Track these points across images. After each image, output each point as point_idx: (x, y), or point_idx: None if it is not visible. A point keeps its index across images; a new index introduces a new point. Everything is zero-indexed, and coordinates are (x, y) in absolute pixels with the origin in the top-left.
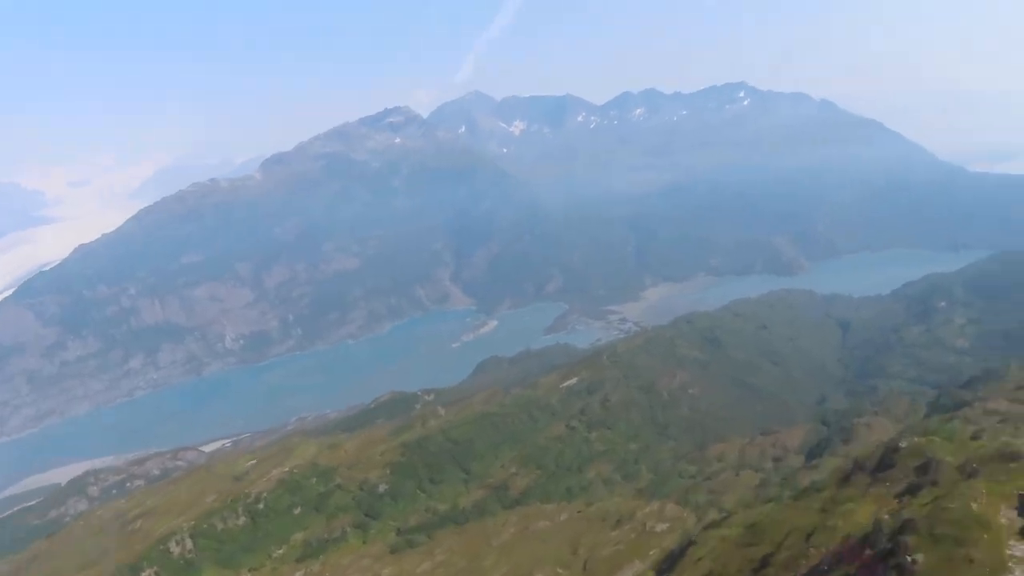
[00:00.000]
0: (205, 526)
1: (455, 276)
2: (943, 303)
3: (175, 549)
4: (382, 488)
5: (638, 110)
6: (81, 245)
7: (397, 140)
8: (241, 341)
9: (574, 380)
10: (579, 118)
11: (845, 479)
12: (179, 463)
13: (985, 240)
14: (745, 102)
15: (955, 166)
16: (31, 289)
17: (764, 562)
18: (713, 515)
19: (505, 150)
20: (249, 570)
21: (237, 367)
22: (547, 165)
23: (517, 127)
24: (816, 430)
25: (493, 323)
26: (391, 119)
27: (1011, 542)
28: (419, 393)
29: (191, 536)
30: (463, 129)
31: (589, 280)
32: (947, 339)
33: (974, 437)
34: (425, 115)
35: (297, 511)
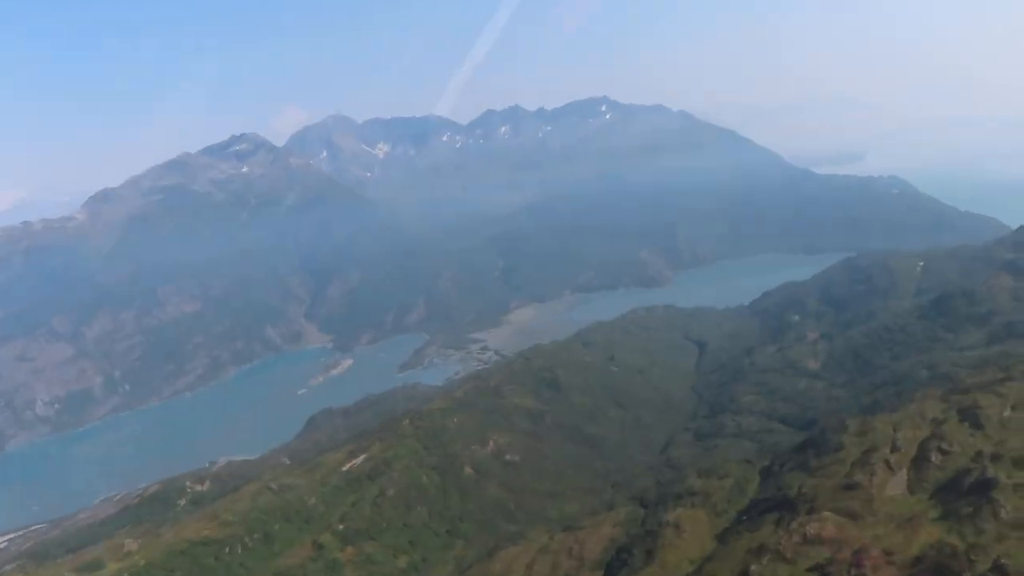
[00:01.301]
0: None
1: (310, 312)
2: (796, 316)
3: None
4: None
5: (503, 128)
6: None
7: (244, 169)
8: (56, 405)
9: (360, 458)
10: (444, 138)
11: None
12: None
13: (837, 242)
14: (607, 116)
15: (803, 170)
16: None
17: None
18: None
19: (369, 174)
20: None
21: (50, 436)
22: (413, 187)
23: (381, 149)
24: (629, 521)
25: (348, 362)
26: (238, 147)
27: None
28: (187, 485)
29: None
30: (324, 154)
31: (454, 307)
32: (799, 360)
33: None
34: (284, 142)
35: None
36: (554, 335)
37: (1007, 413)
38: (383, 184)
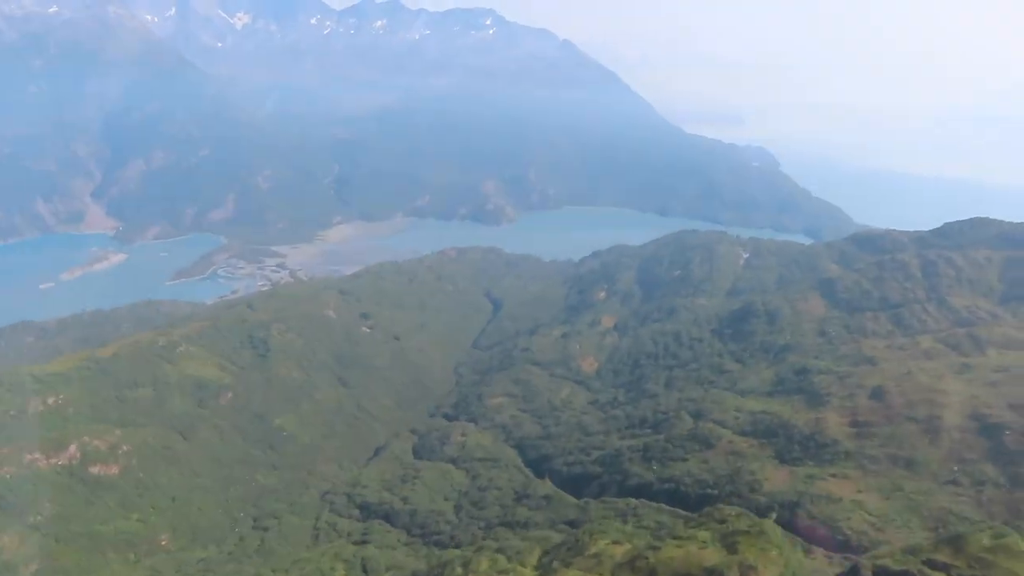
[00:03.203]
0: None
1: (99, 191)
2: (603, 293)
3: None
4: None
5: (379, 21)
6: None
7: (52, 9)
8: None
9: None
10: (312, 20)
11: None
12: None
13: (688, 207)
14: (491, 31)
15: (674, 127)
16: None
17: None
18: None
19: (220, 44)
20: None
21: None
22: (265, 68)
23: (240, 19)
24: None
25: (119, 257)
26: None
27: None
28: None
29: None
30: (172, 11)
31: (268, 210)
32: (577, 356)
33: None
34: None
35: None
36: (365, 260)
37: None
38: (233, 58)
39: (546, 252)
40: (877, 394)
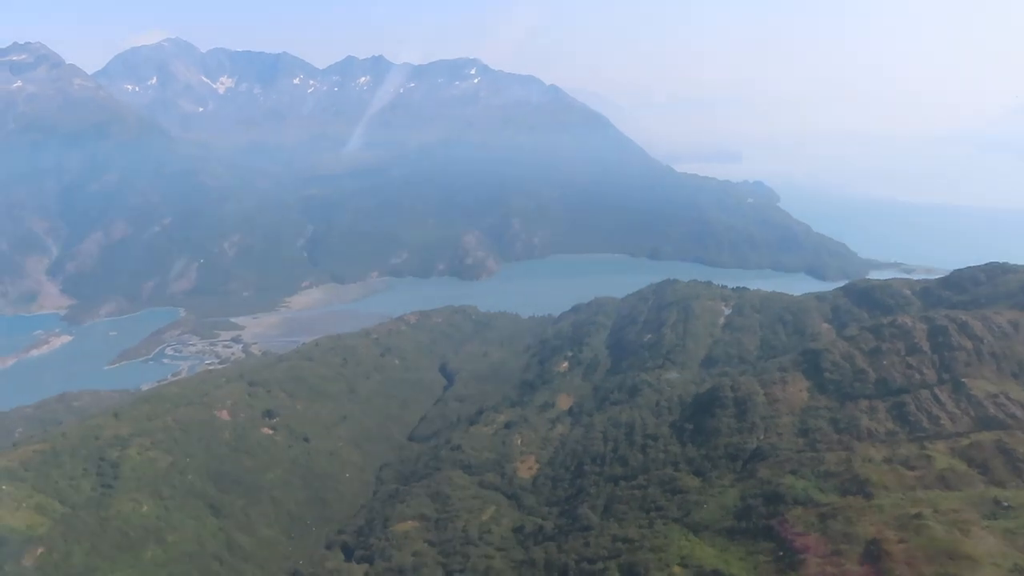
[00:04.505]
0: None
1: (55, 268)
2: (565, 363)
3: None
4: None
5: (363, 78)
6: None
7: (16, 84)
8: None
9: None
10: (296, 80)
11: None
12: None
13: (680, 249)
14: (476, 80)
15: (664, 166)
16: None
17: None
18: None
19: (202, 109)
20: None
21: None
22: (247, 130)
23: (223, 83)
24: None
25: (62, 339)
26: (15, 56)
27: None
28: None
29: None
30: (154, 80)
31: (235, 278)
32: (517, 456)
33: None
34: (104, 62)
35: None
36: (328, 328)
37: None
38: (213, 122)
39: (526, 307)
40: (872, 554)
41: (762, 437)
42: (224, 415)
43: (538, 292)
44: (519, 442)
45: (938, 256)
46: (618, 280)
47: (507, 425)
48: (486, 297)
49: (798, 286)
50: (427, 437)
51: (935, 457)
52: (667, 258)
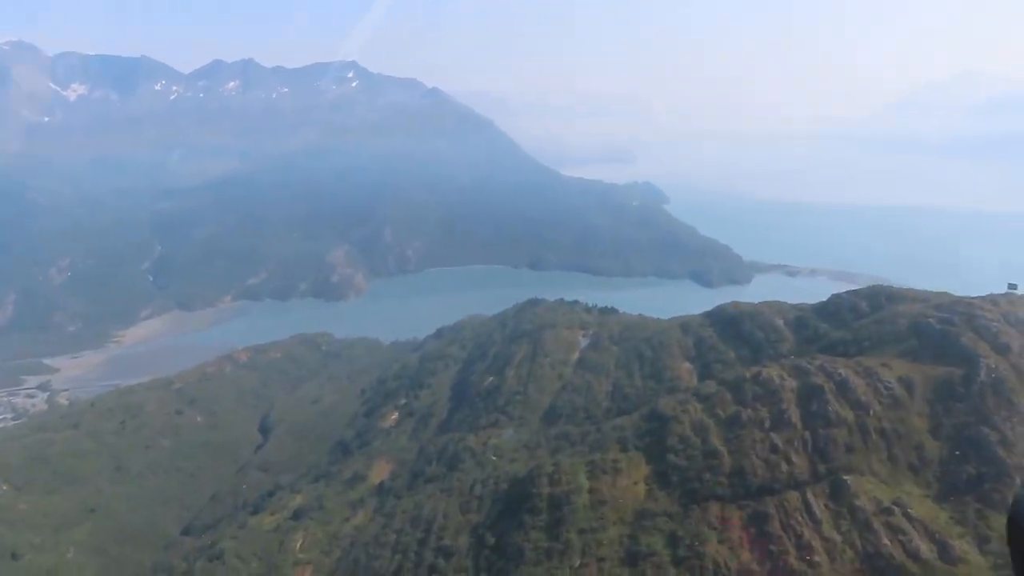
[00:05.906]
0: None
1: None
2: (395, 413)
3: None
4: None
5: (231, 83)
6: None
7: None
8: None
9: None
10: (157, 86)
11: None
12: None
13: (562, 258)
14: (353, 83)
15: (551, 170)
16: None
17: None
18: None
19: (47, 119)
20: None
21: None
22: (101, 141)
23: (75, 90)
24: None
25: None
26: None
27: None
28: None
29: None
30: None
31: (60, 309)
32: (290, 562)
33: None
34: None
35: None
36: (162, 366)
37: None
38: (59, 133)
39: (392, 330)
40: None
41: (576, 561)
42: None
43: (407, 312)
44: (299, 545)
45: (823, 256)
46: (494, 295)
47: (296, 515)
48: (349, 320)
49: (681, 294)
50: (209, 526)
51: None
52: (549, 268)
